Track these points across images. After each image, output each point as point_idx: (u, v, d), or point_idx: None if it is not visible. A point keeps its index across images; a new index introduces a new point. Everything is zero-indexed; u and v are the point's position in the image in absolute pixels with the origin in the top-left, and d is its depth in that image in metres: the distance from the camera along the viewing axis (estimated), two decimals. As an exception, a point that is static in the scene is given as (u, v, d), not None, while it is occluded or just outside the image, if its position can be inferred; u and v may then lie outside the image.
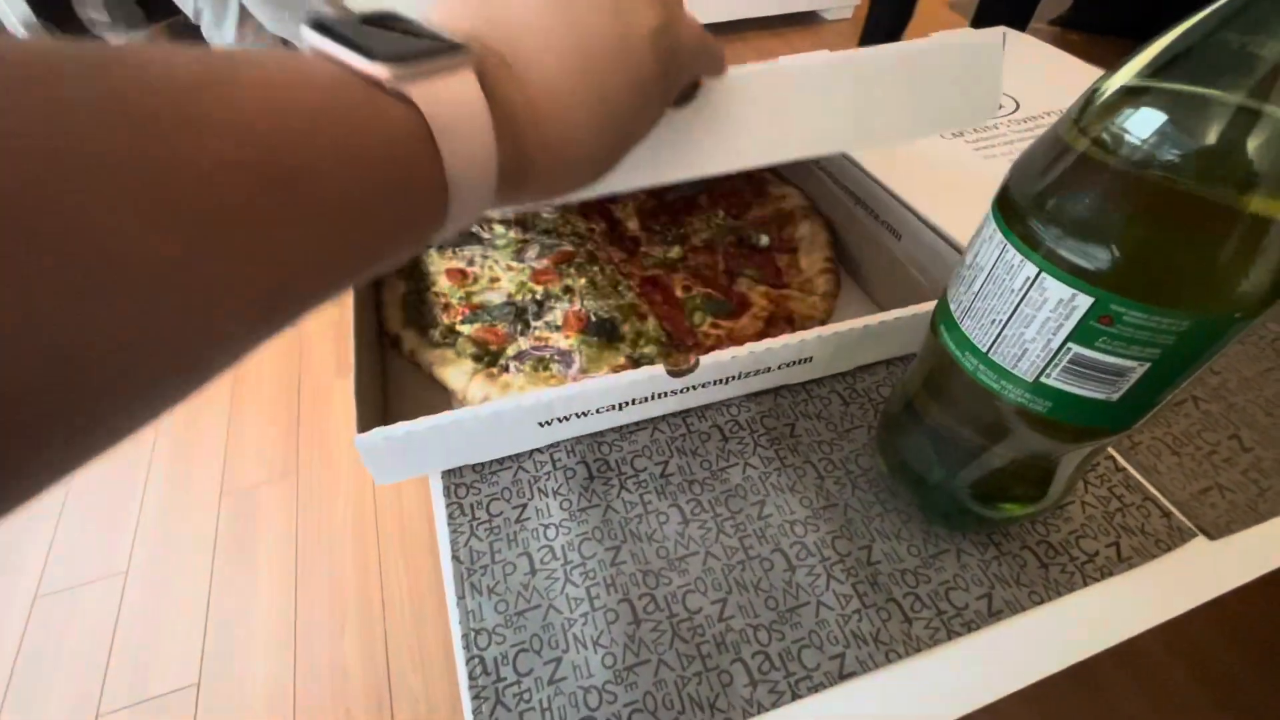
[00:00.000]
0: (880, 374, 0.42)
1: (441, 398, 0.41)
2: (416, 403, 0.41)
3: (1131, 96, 0.20)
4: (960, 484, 0.31)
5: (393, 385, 0.42)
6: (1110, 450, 0.38)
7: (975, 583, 0.32)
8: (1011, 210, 0.23)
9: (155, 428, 1.05)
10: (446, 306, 0.46)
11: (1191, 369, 0.22)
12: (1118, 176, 0.20)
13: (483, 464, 0.37)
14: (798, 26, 2.11)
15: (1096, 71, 0.64)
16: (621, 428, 0.39)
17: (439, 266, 0.49)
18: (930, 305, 0.38)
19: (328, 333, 1.18)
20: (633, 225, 0.54)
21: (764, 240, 0.51)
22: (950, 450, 0.31)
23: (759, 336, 0.43)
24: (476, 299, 0.47)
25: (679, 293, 0.47)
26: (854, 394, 0.41)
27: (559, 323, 0.45)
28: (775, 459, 0.37)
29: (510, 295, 0.47)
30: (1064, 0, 2.02)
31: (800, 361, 0.38)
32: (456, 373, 0.41)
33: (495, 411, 0.33)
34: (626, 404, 0.36)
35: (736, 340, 0.43)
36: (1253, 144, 0.18)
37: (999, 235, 0.23)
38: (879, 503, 0.35)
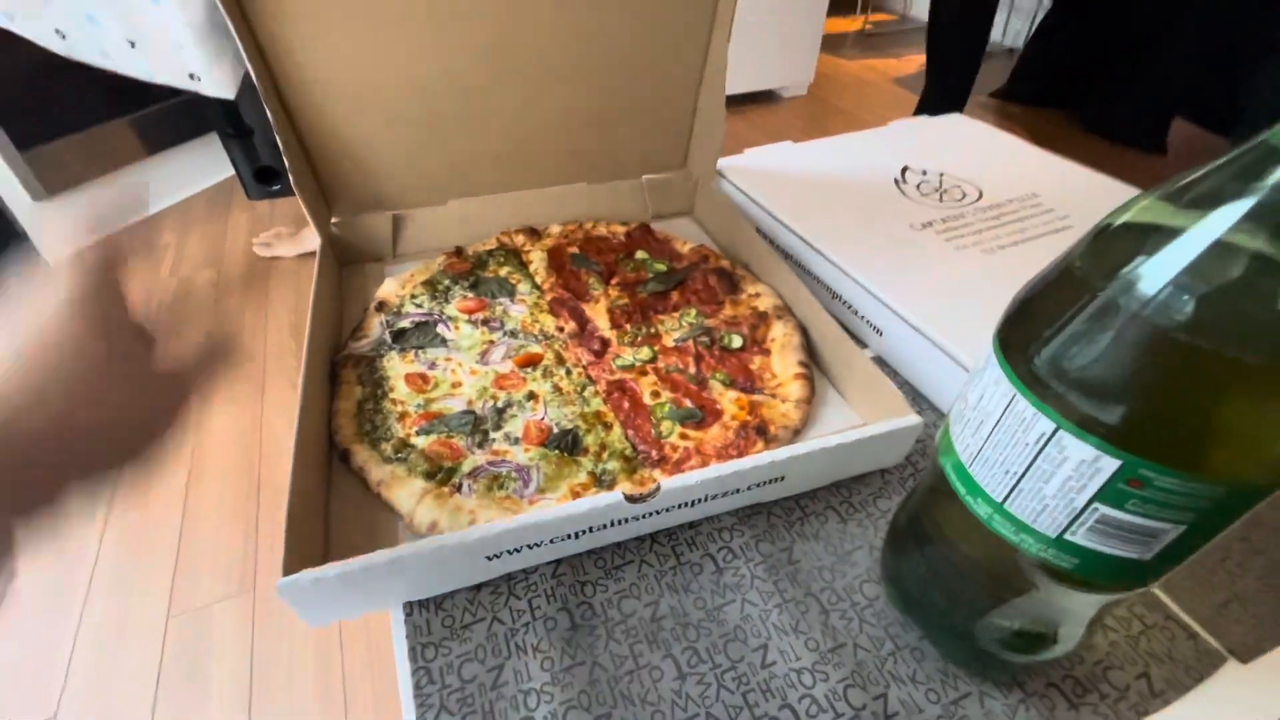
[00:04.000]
0: (875, 484, 0.40)
1: (389, 517, 0.38)
2: (363, 524, 0.37)
3: (1155, 239, 0.19)
4: (975, 627, 0.29)
5: (336, 501, 0.39)
6: (1122, 561, 0.36)
7: (1003, 733, 0.29)
8: (1019, 355, 0.22)
9: (98, 538, 0.97)
10: (403, 415, 0.43)
11: (1227, 528, 0.20)
12: (1143, 331, 0.18)
13: (453, 618, 0.33)
14: (758, 105, 2.21)
15: (1045, 156, 0.66)
16: (605, 563, 0.36)
17: (399, 370, 0.46)
18: (909, 421, 0.36)
19: (290, 426, 1.12)
20: (603, 324, 0.52)
21: (737, 341, 0.49)
22: (962, 590, 0.29)
23: (730, 448, 0.41)
24: (435, 406, 0.44)
25: (647, 399, 0.45)
26: (851, 508, 0.39)
27: (519, 434, 0.42)
28: (775, 592, 0.34)
29: (470, 403, 0.44)
30: (1001, 75, 2.16)
31: (772, 481, 0.36)
32: (405, 494, 0.37)
33: (438, 547, 0.30)
34: (585, 532, 0.34)
35: (705, 453, 0.40)
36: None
37: (1006, 383, 0.22)
38: (890, 639, 0.33)
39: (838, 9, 3.04)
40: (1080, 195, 0.59)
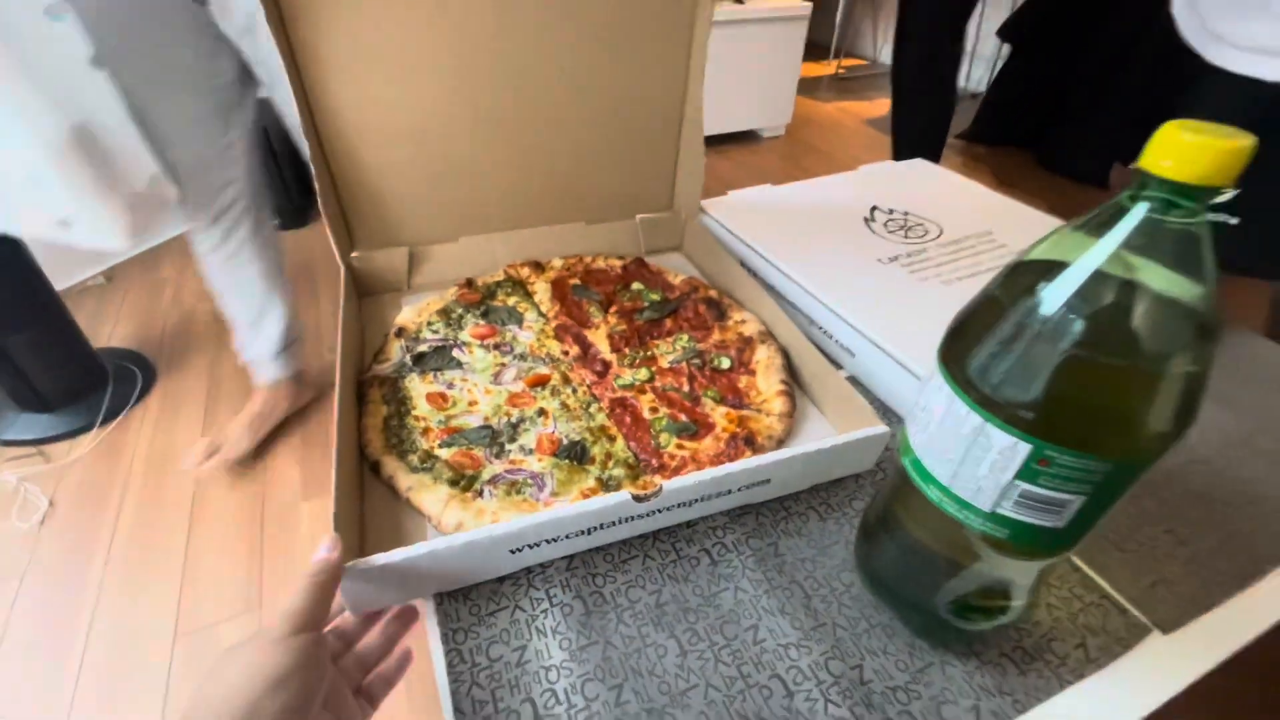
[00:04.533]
0: (850, 487, 0.45)
1: (416, 520, 0.42)
2: (392, 526, 0.41)
3: (1050, 273, 0.24)
4: (936, 600, 0.33)
5: (368, 508, 0.43)
6: (1065, 550, 0.41)
7: (962, 695, 0.34)
8: (955, 365, 0.27)
9: (104, 564, 0.98)
10: (426, 430, 0.47)
11: (1119, 497, 0.26)
12: (1043, 346, 0.24)
13: (479, 606, 0.38)
14: (740, 144, 2.33)
15: (999, 198, 0.73)
16: (614, 558, 0.40)
17: (420, 390, 0.51)
18: (877, 430, 0.42)
19: (292, 453, 1.15)
20: (604, 348, 0.57)
21: (725, 363, 0.54)
22: (923, 568, 0.34)
23: (721, 456, 0.45)
24: (455, 422, 0.48)
25: (646, 414, 0.50)
26: (829, 509, 0.44)
27: (532, 446, 0.46)
28: (764, 580, 0.39)
29: (486, 419, 0.49)
30: (967, 117, 2.29)
31: (760, 483, 0.41)
32: (432, 499, 0.41)
33: (468, 542, 0.34)
34: (596, 528, 0.38)
35: (700, 461, 0.45)
36: (1145, 323, 0.23)
37: (947, 387, 0.27)
38: (864, 618, 0.37)
39: (812, 55, 3.21)
40: (1029, 232, 0.65)
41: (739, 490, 0.41)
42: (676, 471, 0.44)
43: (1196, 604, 0.38)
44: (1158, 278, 0.22)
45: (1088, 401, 0.24)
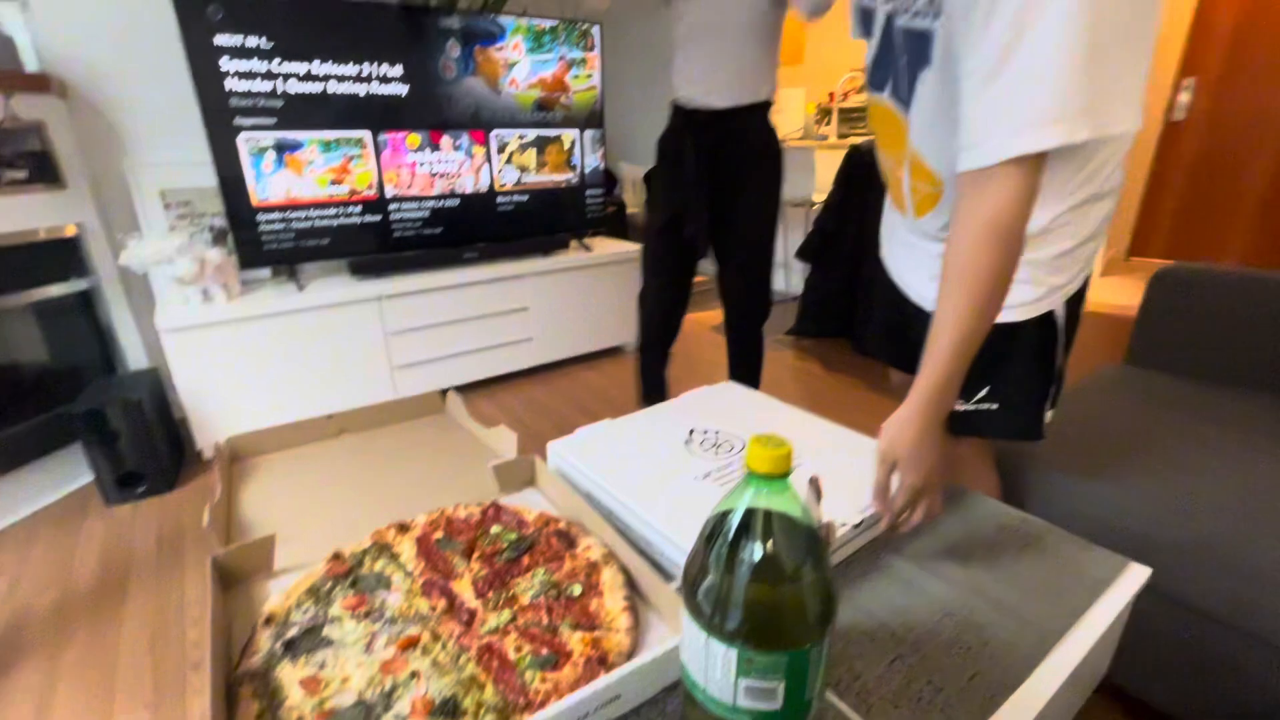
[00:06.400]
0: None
1: None
2: None
3: (726, 520, 0.37)
4: (737, 788, 0.41)
5: None
6: None
7: None
8: (688, 595, 0.38)
9: None
10: None
11: (811, 679, 0.36)
12: (727, 581, 0.36)
13: None
14: (607, 358, 2.61)
15: (789, 410, 0.93)
16: (473, 812, 0.44)
17: (292, 678, 0.53)
18: None
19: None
20: (469, 596, 0.63)
21: (578, 590, 0.63)
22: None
23: (579, 682, 0.52)
24: (329, 704, 0.51)
25: (512, 654, 0.55)
26: (664, 717, 0.51)
27: (406, 712, 0.50)
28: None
29: (360, 694, 0.52)
30: (791, 316, 2.76)
31: (612, 700, 0.48)
32: None
33: None
34: None
35: (562, 690, 0.51)
36: (782, 545, 0.35)
37: (687, 614, 0.38)
38: (696, 822, 0.43)
39: (662, 275, 3.73)
40: (816, 438, 0.83)
41: (596, 711, 0.47)
42: (543, 705, 0.49)
43: (953, 737, 0.48)
44: (780, 516, 0.36)
45: (765, 615, 0.35)
